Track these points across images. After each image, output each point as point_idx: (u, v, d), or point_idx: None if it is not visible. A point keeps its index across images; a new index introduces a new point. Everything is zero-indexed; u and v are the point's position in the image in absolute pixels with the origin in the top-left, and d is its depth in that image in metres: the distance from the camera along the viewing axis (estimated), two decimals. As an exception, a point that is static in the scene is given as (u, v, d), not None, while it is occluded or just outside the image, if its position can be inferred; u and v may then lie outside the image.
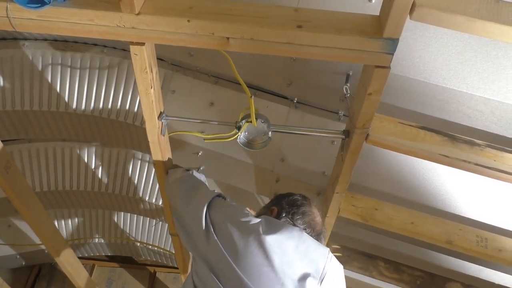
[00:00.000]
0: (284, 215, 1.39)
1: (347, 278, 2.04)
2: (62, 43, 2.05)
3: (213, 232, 1.29)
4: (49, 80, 2.05)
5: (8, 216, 2.86)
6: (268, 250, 1.22)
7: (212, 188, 1.77)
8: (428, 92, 1.51)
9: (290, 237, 1.28)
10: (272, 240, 1.24)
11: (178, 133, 1.72)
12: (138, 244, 3.10)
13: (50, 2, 1.07)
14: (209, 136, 1.64)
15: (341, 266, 1.35)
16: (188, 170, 1.66)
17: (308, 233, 1.34)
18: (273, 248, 1.23)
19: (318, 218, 1.43)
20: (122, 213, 2.88)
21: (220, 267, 1.26)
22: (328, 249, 1.33)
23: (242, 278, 1.21)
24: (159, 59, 1.89)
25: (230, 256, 1.24)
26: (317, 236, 1.38)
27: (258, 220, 1.30)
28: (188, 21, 1.09)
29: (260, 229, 1.26)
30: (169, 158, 1.66)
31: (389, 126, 1.41)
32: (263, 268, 1.22)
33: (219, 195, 1.44)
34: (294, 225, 1.36)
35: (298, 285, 1.23)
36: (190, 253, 1.48)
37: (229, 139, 1.50)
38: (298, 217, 1.38)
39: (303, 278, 1.24)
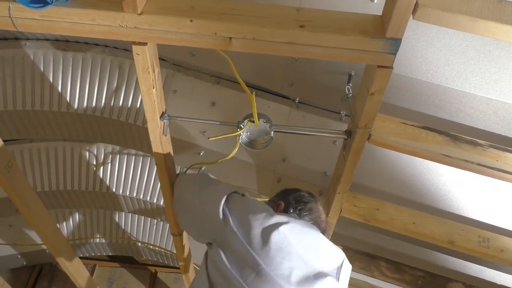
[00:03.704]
0: (291, 210, 1.38)
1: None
2: (64, 43, 2.05)
3: (231, 224, 1.26)
4: (51, 80, 2.05)
5: (9, 216, 2.86)
6: (288, 243, 1.21)
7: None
8: (430, 92, 1.51)
9: (311, 234, 1.27)
10: (294, 235, 1.22)
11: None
12: (139, 244, 3.10)
13: (52, 2, 1.07)
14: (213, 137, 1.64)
15: (350, 266, 1.35)
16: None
17: None
18: (295, 242, 1.21)
19: (323, 216, 1.43)
20: (123, 213, 2.88)
21: (239, 256, 1.22)
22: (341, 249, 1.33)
23: (263, 268, 1.17)
24: (161, 59, 1.88)
25: (251, 246, 1.20)
26: (322, 233, 1.38)
27: (280, 215, 1.28)
28: (191, 21, 1.09)
29: (283, 223, 1.23)
30: (171, 158, 1.66)
31: (391, 126, 1.41)
32: (283, 260, 1.19)
33: (236, 192, 1.41)
34: None
35: (317, 282, 1.21)
36: (202, 242, 1.44)
37: (234, 134, 1.50)
38: (306, 213, 1.37)
39: (322, 275, 1.22)
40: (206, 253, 1.36)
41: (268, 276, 1.17)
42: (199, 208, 1.42)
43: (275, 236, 1.20)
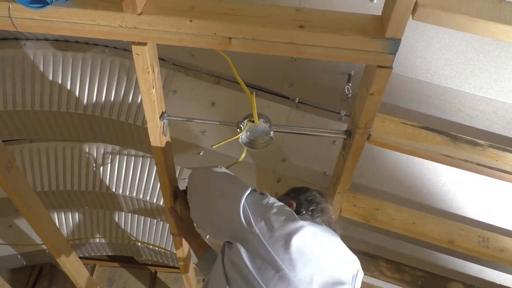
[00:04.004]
0: (303, 211, 1.35)
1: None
2: (64, 43, 2.05)
3: (253, 224, 1.20)
4: (51, 80, 2.05)
5: (9, 216, 2.86)
6: (310, 248, 1.18)
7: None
8: (429, 92, 1.51)
9: (331, 240, 1.25)
10: (315, 240, 1.20)
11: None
12: (139, 244, 3.11)
13: (52, 2, 1.07)
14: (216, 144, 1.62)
15: (363, 273, 1.32)
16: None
17: None
18: (316, 248, 1.19)
19: (334, 216, 1.41)
20: (123, 213, 2.88)
21: (261, 259, 1.17)
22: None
23: (286, 272, 1.14)
24: (160, 59, 1.89)
25: (273, 249, 1.16)
26: None
27: (302, 219, 1.24)
28: (190, 21, 1.09)
29: (304, 227, 1.19)
30: (170, 158, 1.66)
31: (391, 126, 1.41)
32: (304, 266, 1.16)
33: (255, 190, 1.35)
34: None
35: None
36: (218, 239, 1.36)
37: (235, 138, 1.50)
38: (318, 214, 1.34)
39: (340, 283, 1.19)
40: (223, 252, 1.30)
41: (290, 282, 1.14)
42: (218, 204, 1.35)
43: (297, 241, 1.16)
